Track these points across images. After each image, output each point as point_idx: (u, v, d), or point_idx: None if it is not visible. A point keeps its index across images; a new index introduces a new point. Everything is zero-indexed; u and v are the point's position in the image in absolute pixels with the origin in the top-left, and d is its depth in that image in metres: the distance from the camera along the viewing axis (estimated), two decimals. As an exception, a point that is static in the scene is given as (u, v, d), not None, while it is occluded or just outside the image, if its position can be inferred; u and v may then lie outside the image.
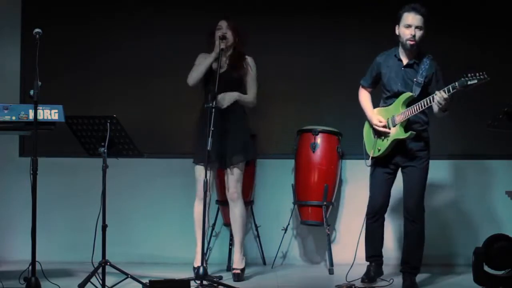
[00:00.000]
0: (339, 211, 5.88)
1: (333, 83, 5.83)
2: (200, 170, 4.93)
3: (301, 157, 5.56)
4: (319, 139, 5.51)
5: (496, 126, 4.60)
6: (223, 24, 5.04)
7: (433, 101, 4.48)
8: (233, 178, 5.02)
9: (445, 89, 4.43)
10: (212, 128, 4.63)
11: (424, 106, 4.56)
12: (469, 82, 4.35)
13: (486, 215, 5.83)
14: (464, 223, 5.87)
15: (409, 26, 4.64)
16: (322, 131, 5.51)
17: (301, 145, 5.57)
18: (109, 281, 4.45)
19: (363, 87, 5.00)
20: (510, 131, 4.68)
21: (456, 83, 4.39)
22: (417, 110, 4.59)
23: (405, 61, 4.75)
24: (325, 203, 5.46)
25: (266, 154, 5.80)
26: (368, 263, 4.98)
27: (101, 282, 4.41)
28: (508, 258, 4.49)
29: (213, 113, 4.66)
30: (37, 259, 4.21)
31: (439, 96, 4.43)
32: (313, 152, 5.50)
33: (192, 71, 5.02)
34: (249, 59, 5.11)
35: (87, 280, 4.42)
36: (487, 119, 4.63)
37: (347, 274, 4.86)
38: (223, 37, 4.95)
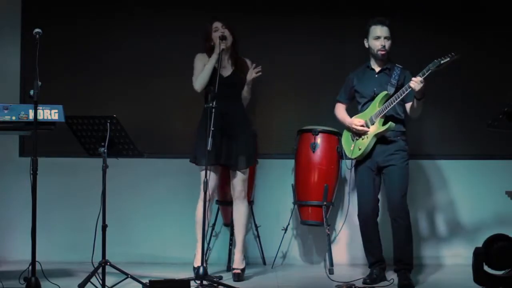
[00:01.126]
0: (339, 211, 5.88)
1: (333, 83, 5.81)
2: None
3: (301, 157, 5.56)
4: (319, 139, 5.51)
5: (496, 126, 4.60)
6: (218, 25, 5.05)
7: (410, 85, 4.64)
8: (241, 178, 5.06)
9: (420, 73, 4.63)
10: (212, 128, 4.63)
11: (400, 96, 4.74)
12: (442, 61, 4.59)
13: (486, 215, 5.82)
14: (464, 223, 5.87)
15: (378, 37, 4.91)
16: (322, 131, 5.51)
17: (301, 145, 5.57)
18: (109, 281, 4.45)
19: (339, 102, 5.20)
20: (510, 131, 4.68)
21: (429, 65, 4.62)
22: (392, 103, 4.78)
23: (377, 69, 4.99)
24: (325, 203, 5.46)
25: (266, 154, 5.80)
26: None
27: (101, 282, 4.41)
28: (508, 258, 4.49)
29: (213, 113, 4.66)
30: (37, 259, 4.21)
31: (415, 80, 4.63)
32: (313, 152, 5.50)
33: (197, 77, 5.03)
34: (248, 62, 5.19)
35: (87, 280, 4.42)
36: (487, 119, 4.63)
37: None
38: (223, 38, 4.95)
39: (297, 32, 5.89)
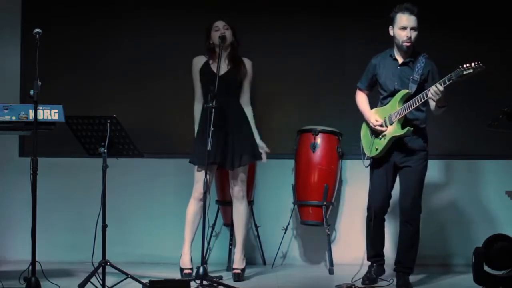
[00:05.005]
0: (339, 211, 5.88)
1: (333, 83, 5.83)
2: (201, 170, 4.91)
3: (301, 157, 5.56)
4: (319, 139, 5.51)
5: (496, 126, 4.60)
6: (220, 24, 5.04)
7: (428, 95, 4.46)
8: (240, 177, 5.04)
9: (441, 81, 4.42)
10: (212, 128, 4.63)
11: (420, 101, 4.54)
12: (464, 72, 4.32)
13: (485, 215, 5.82)
14: (463, 223, 5.87)
15: (404, 28, 4.65)
16: (322, 131, 5.51)
17: (301, 145, 5.57)
18: (109, 281, 4.45)
19: (360, 89, 5.00)
20: (510, 131, 4.68)
21: (452, 74, 4.36)
22: (412, 106, 4.58)
23: (400, 60, 4.76)
24: (325, 203, 5.46)
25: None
26: (369, 263, 4.99)
27: (101, 282, 4.41)
28: (508, 258, 4.50)
29: (213, 113, 4.66)
30: (37, 259, 4.21)
31: (434, 89, 4.42)
32: (313, 152, 5.50)
33: (196, 107, 5.12)
34: (247, 62, 5.14)
35: (87, 280, 4.42)
36: (487, 119, 4.63)
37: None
38: (222, 38, 4.95)
39: (297, 32, 5.89)
